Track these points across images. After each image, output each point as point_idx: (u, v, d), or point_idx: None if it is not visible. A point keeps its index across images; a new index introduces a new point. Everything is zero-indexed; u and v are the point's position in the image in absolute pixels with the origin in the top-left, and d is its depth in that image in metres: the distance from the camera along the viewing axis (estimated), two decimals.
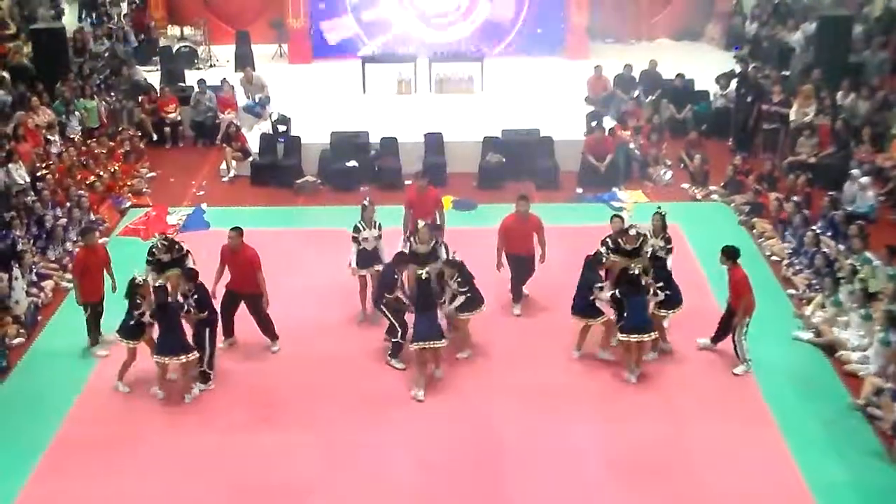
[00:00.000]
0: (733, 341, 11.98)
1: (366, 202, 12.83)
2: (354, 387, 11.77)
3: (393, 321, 11.90)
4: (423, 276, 11.48)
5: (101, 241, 15.39)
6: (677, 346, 12.28)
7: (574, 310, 12.09)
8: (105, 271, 12.53)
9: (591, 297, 11.82)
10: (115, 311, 12.00)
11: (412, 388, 11.55)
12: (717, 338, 12.25)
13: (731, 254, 11.88)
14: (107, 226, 16.02)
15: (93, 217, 15.89)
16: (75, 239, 15.09)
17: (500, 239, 12.95)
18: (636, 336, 11.63)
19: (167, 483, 10.23)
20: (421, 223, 12.56)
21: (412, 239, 12.61)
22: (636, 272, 11.59)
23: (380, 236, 12.73)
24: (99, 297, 12.44)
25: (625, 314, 11.69)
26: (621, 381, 11.77)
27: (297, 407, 11.44)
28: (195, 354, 11.42)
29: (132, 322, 11.48)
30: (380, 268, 12.46)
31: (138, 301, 11.44)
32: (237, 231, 12.21)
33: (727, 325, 12.05)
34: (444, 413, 11.28)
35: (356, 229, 12.65)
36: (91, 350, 12.40)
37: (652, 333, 11.75)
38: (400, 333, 11.89)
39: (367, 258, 12.66)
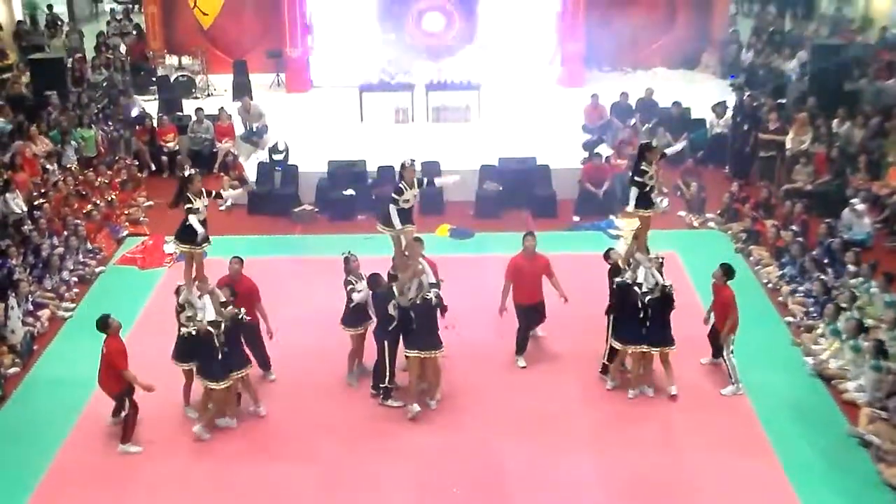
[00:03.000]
0: (723, 360, 12.09)
1: (348, 255, 12.14)
2: (353, 416, 11.73)
3: (387, 359, 11.64)
4: (427, 297, 11.45)
5: (98, 269, 15.53)
6: (675, 375, 12.23)
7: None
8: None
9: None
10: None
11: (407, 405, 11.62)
12: (716, 353, 12.41)
13: (728, 272, 12.06)
14: (104, 255, 16.02)
15: (90, 246, 15.89)
16: (72, 268, 15.09)
17: (508, 281, 12.52)
18: (659, 349, 11.83)
19: None
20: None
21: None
22: (670, 289, 11.78)
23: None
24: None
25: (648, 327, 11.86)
26: (618, 411, 11.76)
27: (296, 436, 11.38)
28: (228, 382, 11.30)
29: (185, 338, 11.36)
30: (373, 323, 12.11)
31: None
32: (239, 260, 12.15)
33: (717, 343, 12.24)
34: (443, 443, 11.23)
35: (349, 283, 11.97)
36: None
37: (673, 347, 11.91)
38: (388, 378, 11.71)
39: (362, 314, 12.12)
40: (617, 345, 11.97)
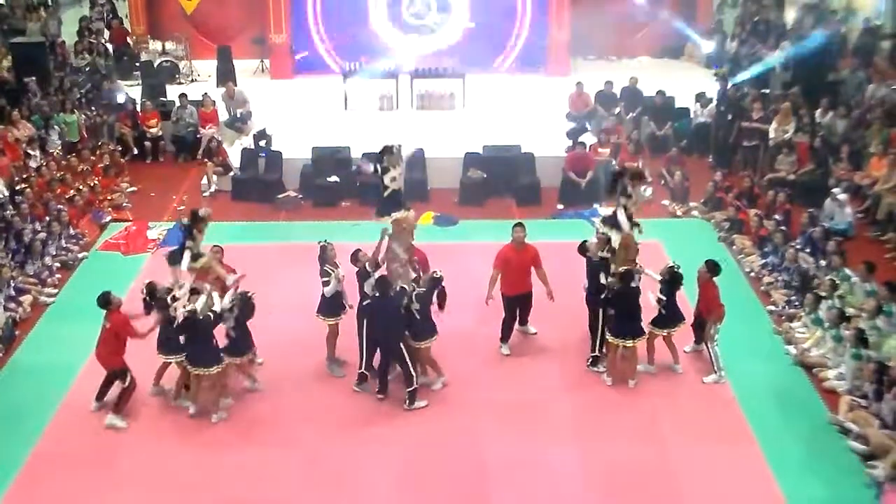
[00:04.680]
0: (707, 349, 12.21)
1: (325, 244, 12.05)
2: (336, 404, 11.74)
3: (410, 367, 11.44)
4: (436, 276, 11.60)
5: (81, 255, 15.47)
6: (658, 363, 12.32)
7: (657, 323, 12.15)
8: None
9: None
10: None
11: (433, 383, 11.86)
12: (699, 339, 12.55)
13: (714, 269, 12.19)
14: (86, 240, 15.95)
15: (72, 231, 15.82)
16: (54, 253, 15.03)
17: (496, 271, 12.49)
18: (670, 329, 12.07)
19: (145, 500, 10.17)
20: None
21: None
22: (678, 269, 11.95)
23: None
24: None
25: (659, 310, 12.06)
26: (601, 399, 11.83)
27: (279, 424, 11.39)
28: (221, 367, 11.36)
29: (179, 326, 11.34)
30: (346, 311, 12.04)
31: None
32: (218, 249, 12.17)
33: (701, 332, 12.37)
34: (426, 432, 11.25)
35: (325, 274, 11.91)
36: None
37: (683, 322, 12.20)
38: (415, 378, 11.54)
39: (339, 304, 12.06)
40: (613, 339, 11.96)
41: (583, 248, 12.34)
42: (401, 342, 11.45)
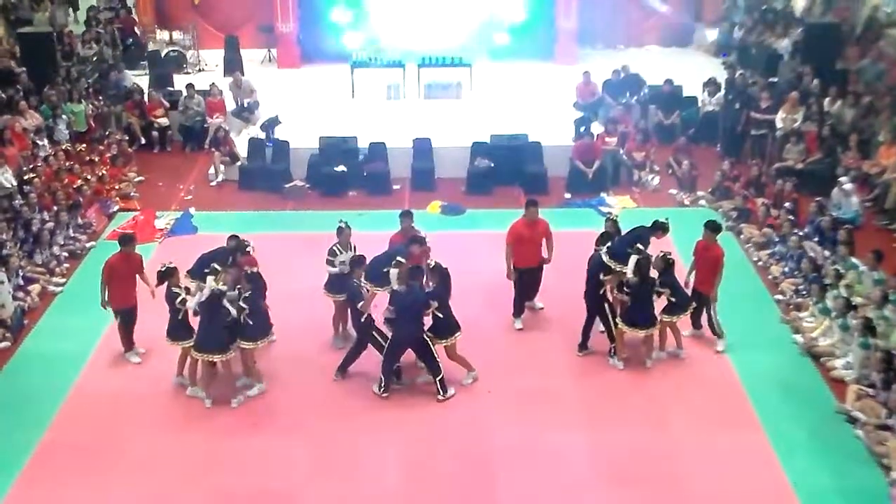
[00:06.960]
0: (710, 319, 12.44)
1: (342, 225, 12.39)
2: (343, 392, 11.77)
3: (435, 358, 11.45)
4: (434, 266, 11.60)
5: (89, 244, 15.51)
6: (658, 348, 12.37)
7: (669, 312, 12.24)
8: (140, 278, 12.38)
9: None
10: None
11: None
12: (696, 323, 12.71)
13: (716, 228, 12.44)
14: (94, 230, 15.99)
15: (80, 221, 15.85)
16: (62, 243, 15.08)
17: (510, 246, 12.77)
18: (683, 315, 12.22)
19: (153, 488, 10.22)
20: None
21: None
22: (669, 255, 12.08)
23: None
24: (130, 305, 12.24)
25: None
26: (608, 387, 11.85)
27: (286, 411, 11.43)
28: (232, 354, 11.45)
29: (179, 318, 11.45)
30: None
31: (175, 291, 11.43)
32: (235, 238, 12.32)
33: (699, 309, 12.52)
34: (433, 419, 11.29)
35: (332, 253, 12.25)
36: (124, 356, 12.38)
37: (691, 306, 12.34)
38: (441, 367, 11.49)
39: (342, 283, 12.18)
40: (628, 329, 12.02)
41: (602, 240, 12.33)
42: (423, 335, 11.44)
